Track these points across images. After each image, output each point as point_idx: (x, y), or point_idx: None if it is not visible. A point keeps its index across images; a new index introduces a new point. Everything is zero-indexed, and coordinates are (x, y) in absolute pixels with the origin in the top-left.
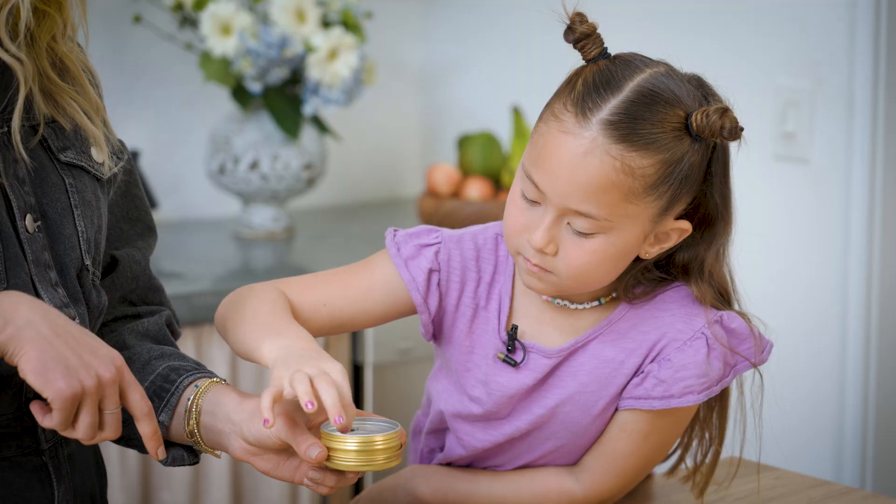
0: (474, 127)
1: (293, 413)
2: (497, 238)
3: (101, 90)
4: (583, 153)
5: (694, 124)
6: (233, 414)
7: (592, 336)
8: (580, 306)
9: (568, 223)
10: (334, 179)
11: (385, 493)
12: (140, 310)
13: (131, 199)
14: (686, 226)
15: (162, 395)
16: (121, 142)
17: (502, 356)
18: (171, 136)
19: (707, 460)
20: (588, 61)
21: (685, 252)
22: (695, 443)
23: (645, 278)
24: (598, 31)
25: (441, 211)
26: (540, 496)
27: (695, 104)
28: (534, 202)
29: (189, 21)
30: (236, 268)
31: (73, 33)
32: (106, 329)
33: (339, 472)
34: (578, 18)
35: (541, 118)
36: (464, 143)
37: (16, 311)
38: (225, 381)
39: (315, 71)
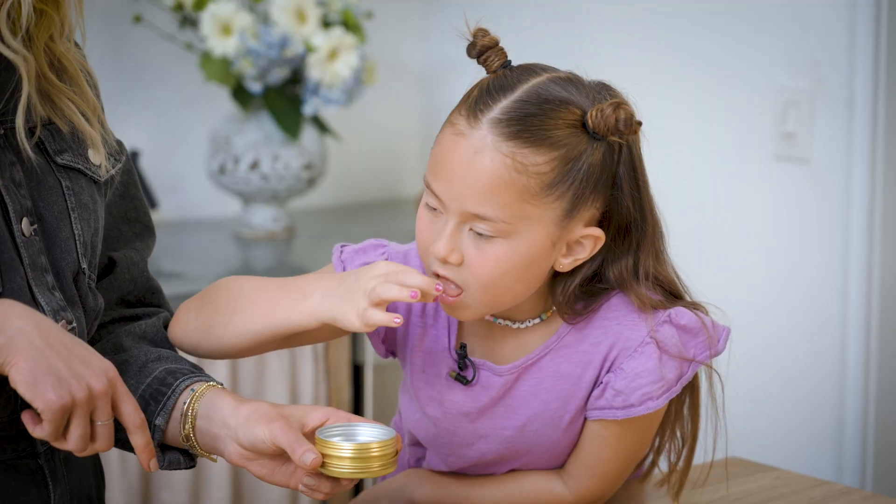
0: None
1: (289, 418)
2: None
3: (99, 90)
4: (473, 153)
5: (590, 121)
6: (228, 418)
7: (543, 352)
8: (522, 325)
9: (470, 229)
10: (334, 179)
11: (380, 499)
12: (138, 311)
13: (130, 200)
14: (599, 233)
15: (158, 398)
16: (119, 142)
17: (454, 374)
18: (171, 136)
19: (681, 460)
20: (491, 73)
21: (612, 265)
22: (668, 443)
23: (583, 293)
24: (500, 44)
25: None
26: (532, 499)
27: (593, 104)
28: (437, 212)
29: (189, 21)
30: (236, 268)
31: (70, 33)
32: (103, 331)
33: (334, 479)
34: (480, 33)
35: (440, 130)
36: None
37: (8, 320)
38: (221, 384)
39: (315, 71)
